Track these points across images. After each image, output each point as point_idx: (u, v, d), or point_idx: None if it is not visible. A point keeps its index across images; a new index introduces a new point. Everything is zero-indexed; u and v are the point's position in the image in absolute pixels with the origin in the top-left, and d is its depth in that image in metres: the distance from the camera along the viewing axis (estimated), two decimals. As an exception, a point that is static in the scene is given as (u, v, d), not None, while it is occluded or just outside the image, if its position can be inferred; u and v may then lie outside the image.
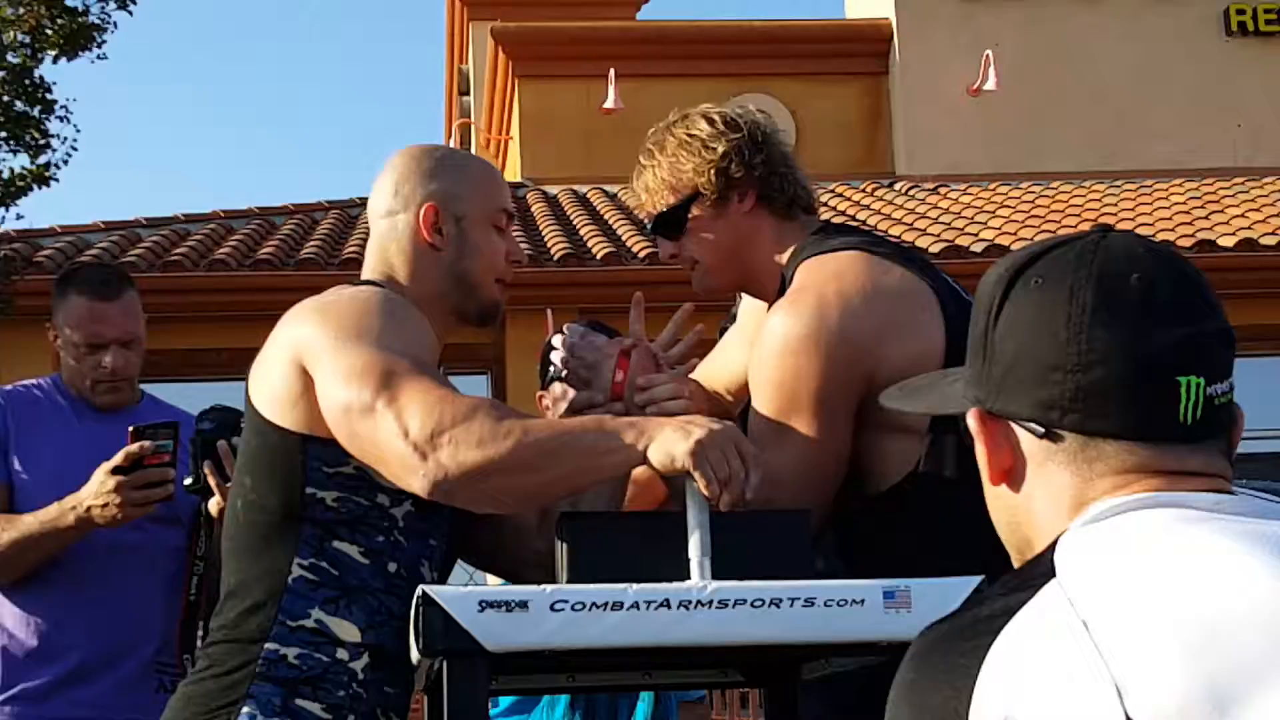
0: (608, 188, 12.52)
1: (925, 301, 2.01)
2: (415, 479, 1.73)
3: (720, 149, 2.07)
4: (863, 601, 1.66)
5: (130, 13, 8.37)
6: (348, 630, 1.85)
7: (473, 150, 16.59)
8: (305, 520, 1.86)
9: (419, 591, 1.63)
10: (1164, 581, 0.91)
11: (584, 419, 1.85)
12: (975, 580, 1.67)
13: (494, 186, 2.08)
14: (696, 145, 2.08)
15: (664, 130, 2.14)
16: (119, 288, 2.88)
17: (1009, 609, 0.95)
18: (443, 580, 1.96)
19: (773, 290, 2.10)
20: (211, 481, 2.43)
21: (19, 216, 8.13)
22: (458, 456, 1.70)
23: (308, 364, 1.84)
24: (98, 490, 2.66)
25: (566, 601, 1.63)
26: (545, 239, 10.58)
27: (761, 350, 2.00)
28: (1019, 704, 0.89)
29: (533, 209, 11.85)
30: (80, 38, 8.08)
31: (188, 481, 2.49)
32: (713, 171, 2.06)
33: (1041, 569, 0.97)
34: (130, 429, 2.63)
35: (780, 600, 1.65)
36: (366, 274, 2.04)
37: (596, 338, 2.13)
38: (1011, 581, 0.99)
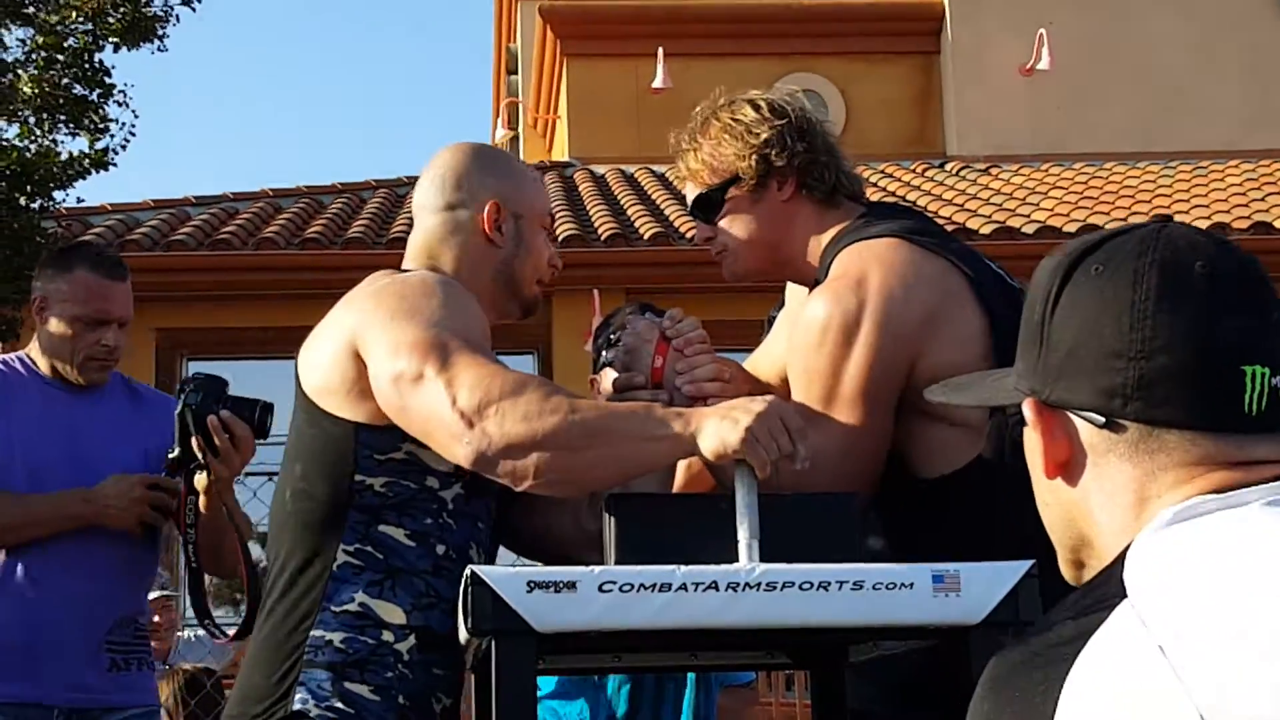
0: (655, 167, 12.49)
1: (965, 292, 1.98)
2: (460, 447, 1.74)
3: (763, 135, 2.07)
4: (912, 585, 1.64)
5: (194, 9, 8.43)
6: (392, 612, 1.86)
7: (520, 130, 16.59)
8: (352, 507, 1.87)
9: (468, 572, 1.63)
10: (1238, 592, 0.88)
11: (633, 404, 1.84)
12: (1026, 565, 1.66)
13: (543, 190, 2.14)
14: (740, 130, 2.08)
15: (709, 113, 2.13)
16: (124, 271, 2.94)
17: (1082, 633, 0.92)
18: (490, 564, 1.95)
19: (812, 276, 2.09)
20: (203, 457, 2.36)
21: (79, 200, 8.19)
22: (504, 427, 1.71)
23: (361, 346, 1.84)
24: (123, 493, 2.72)
25: (615, 582, 1.62)
26: (592, 219, 10.57)
27: (800, 337, 1.99)
28: None
29: (580, 188, 11.84)
30: (142, 27, 8.12)
31: (173, 454, 2.42)
32: (754, 157, 2.06)
33: (1113, 587, 0.94)
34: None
35: (829, 583, 1.64)
36: (410, 264, 2.04)
37: (638, 322, 2.13)
38: (1083, 601, 0.97)
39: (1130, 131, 12.43)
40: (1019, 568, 1.66)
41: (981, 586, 1.65)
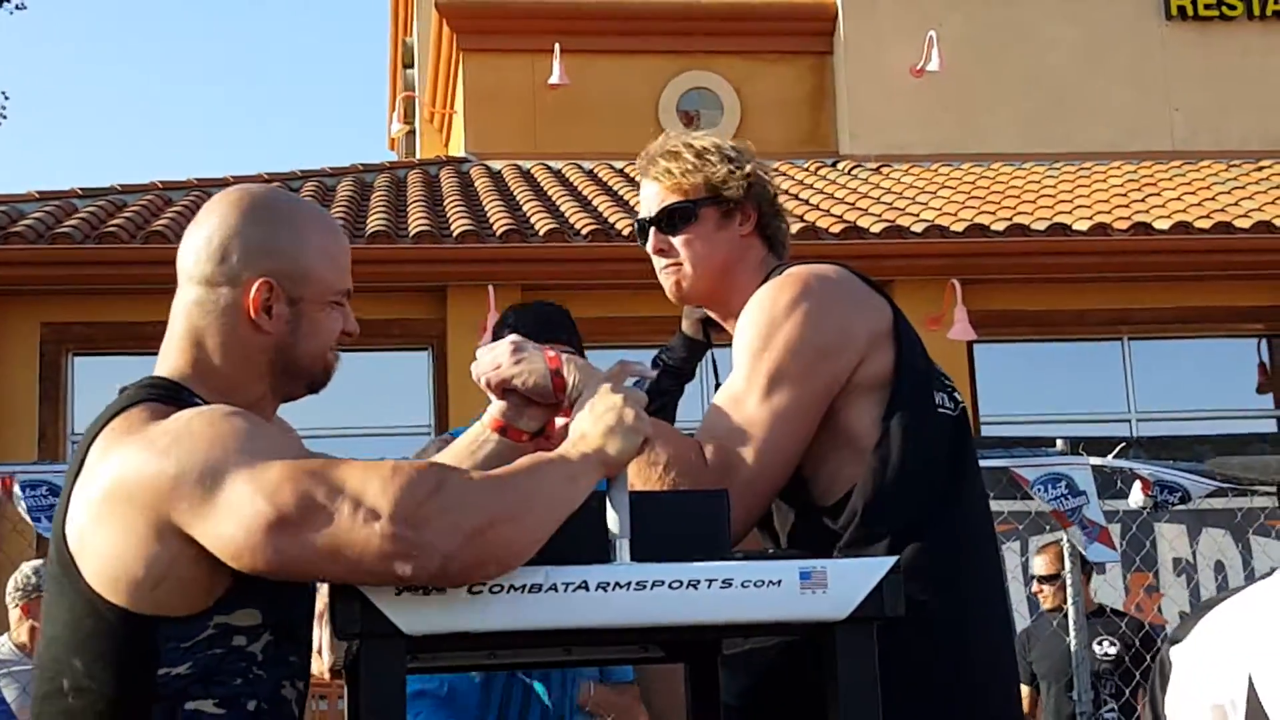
0: (552, 163, 12.46)
1: (884, 319, 2.10)
2: (398, 566, 1.54)
3: (747, 169, 2.20)
4: (779, 582, 1.67)
5: None
6: None
7: (416, 124, 16.44)
8: (155, 700, 1.64)
9: (335, 575, 1.61)
10: None
11: (521, 461, 1.69)
12: (890, 561, 1.69)
13: (338, 259, 1.84)
14: (734, 156, 2.20)
15: (692, 138, 2.23)
16: None
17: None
18: (307, 686, 1.79)
19: (738, 312, 2.15)
20: None
21: None
22: (444, 525, 1.54)
23: (181, 519, 1.60)
24: None
25: (483, 585, 1.63)
26: (488, 214, 10.52)
27: (741, 327, 2.08)
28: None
29: (476, 184, 11.78)
30: None
31: None
32: (739, 180, 2.17)
33: None
34: None
35: (699, 581, 1.66)
36: (172, 355, 1.81)
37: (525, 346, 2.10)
38: None
39: (1018, 133, 12.66)
40: (884, 564, 1.69)
41: (847, 583, 1.68)
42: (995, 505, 5.92)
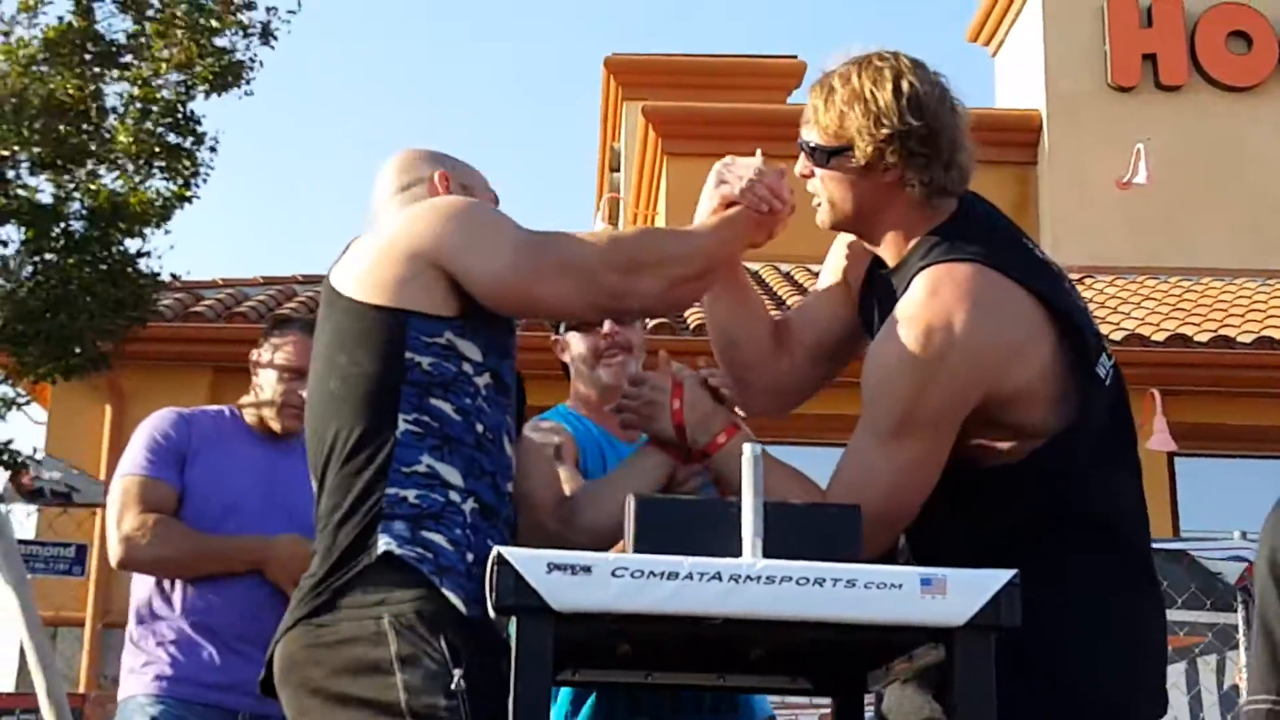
0: (751, 265, 12.68)
1: (1043, 326, 2.07)
2: (602, 276, 2.12)
3: (889, 128, 2.08)
4: (901, 585, 1.77)
5: (272, 47, 8.83)
6: (453, 475, 2.06)
7: (620, 224, 16.93)
8: (405, 382, 2.07)
9: (494, 552, 1.79)
10: None
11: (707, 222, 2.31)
12: (1009, 574, 1.78)
13: (482, 174, 2.39)
14: (872, 110, 2.09)
15: (856, 69, 2.13)
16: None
17: None
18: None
19: (891, 254, 2.17)
20: None
21: (167, 231, 8.60)
22: (638, 248, 2.16)
23: (443, 258, 2.09)
24: (293, 554, 3.06)
25: (627, 569, 1.78)
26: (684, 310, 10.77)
27: (884, 363, 2.07)
28: None
29: (674, 282, 12.07)
30: (229, 74, 8.57)
31: None
32: (872, 145, 2.09)
33: None
34: None
35: (824, 580, 1.78)
36: None
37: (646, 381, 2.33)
38: None
39: (1227, 247, 12.37)
40: (1002, 576, 1.78)
41: (966, 591, 1.77)
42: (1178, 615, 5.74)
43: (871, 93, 2.09)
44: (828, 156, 2.16)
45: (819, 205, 2.22)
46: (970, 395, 2.04)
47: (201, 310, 10.25)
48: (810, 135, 2.18)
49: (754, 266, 12.67)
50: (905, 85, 2.10)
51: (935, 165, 2.11)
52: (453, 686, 1.91)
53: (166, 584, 3.17)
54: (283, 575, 3.08)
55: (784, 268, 12.63)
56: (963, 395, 2.04)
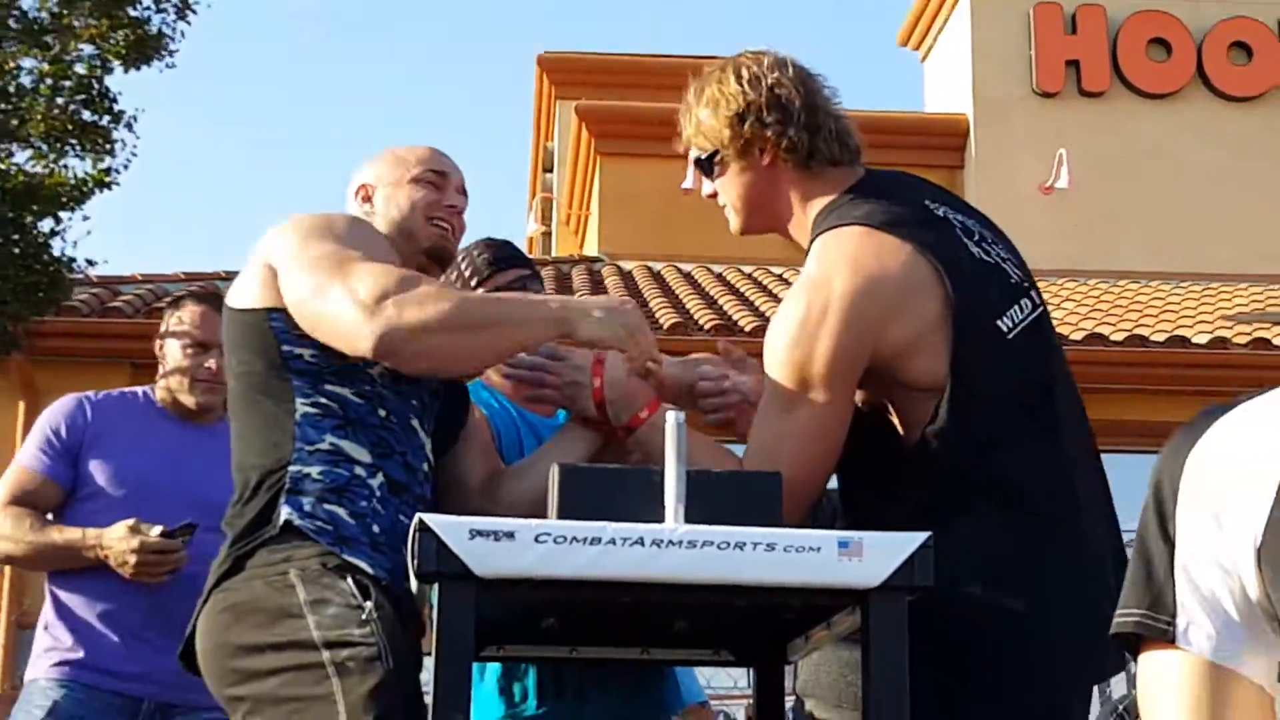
0: (682, 265, 12.75)
1: (929, 280, 2.10)
2: (363, 339, 2.04)
3: (734, 110, 2.20)
4: (819, 549, 1.81)
5: (189, 22, 8.71)
6: (360, 453, 2.13)
7: (553, 225, 16.94)
8: (291, 373, 2.16)
9: (416, 519, 1.80)
10: None
11: (513, 294, 2.37)
12: (923, 536, 1.82)
13: (408, 154, 2.38)
14: (722, 103, 2.21)
15: (707, 78, 2.26)
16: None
17: None
18: (439, 453, 2.28)
19: (804, 239, 2.24)
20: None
21: (85, 217, 8.44)
22: (403, 315, 2.02)
23: (275, 264, 2.17)
24: (120, 549, 2.99)
25: (549, 534, 1.79)
26: (614, 308, 10.79)
27: (774, 335, 2.15)
28: None
29: (606, 281, 12.10)
30: (145, 46, 8.45)
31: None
32: (728, 132, 2.21)
33: None
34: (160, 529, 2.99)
35: (744, 544, 1.81)
36: None
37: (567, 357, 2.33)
38: None
39: (1146, 251, 12.63)
40: (917, 538, 1.82)
41: (882, 553, 1.81)
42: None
43: (718, 90, 2.23)
44: (710, 165, 2.26)
45: (729, 215, 2.31)
46: (855, 352, 2.09)
47: (119, 305, 10.12)
48: (692, 154, 2.30)
49: (687, 267, 12.74)
50: (744, 71, 2.23)
51: (793, 127, 2.18)
52: (364, 616, 1.98)
53: (76, 573, 3.11)
54: (126, 568, 2.98)
55: (716, 268, 12.70)
56: (847, 353, 2.09)
